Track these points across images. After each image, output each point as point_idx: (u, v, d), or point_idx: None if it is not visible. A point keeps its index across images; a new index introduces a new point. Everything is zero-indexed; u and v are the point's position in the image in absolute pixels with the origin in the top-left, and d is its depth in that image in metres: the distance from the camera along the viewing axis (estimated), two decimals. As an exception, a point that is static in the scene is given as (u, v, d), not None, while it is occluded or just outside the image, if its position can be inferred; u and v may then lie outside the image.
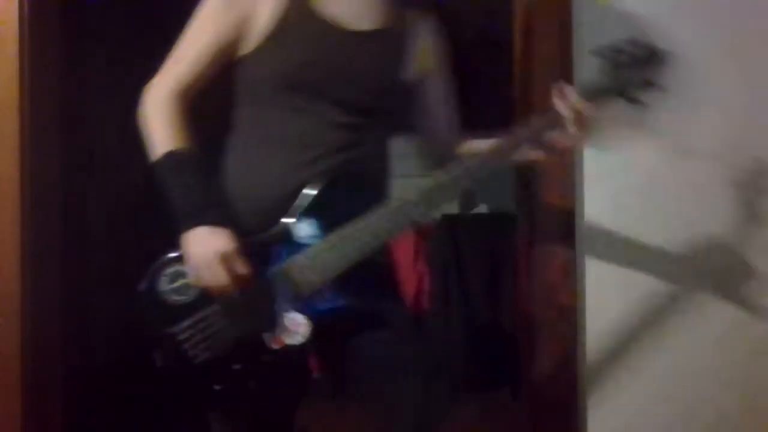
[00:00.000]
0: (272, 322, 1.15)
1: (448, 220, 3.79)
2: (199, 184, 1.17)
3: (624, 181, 1.65)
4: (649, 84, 1.22)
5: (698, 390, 1.65)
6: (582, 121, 1.16)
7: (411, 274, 3.21)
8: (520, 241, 1.76)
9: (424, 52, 1.32)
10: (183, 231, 1.16)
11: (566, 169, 1.64)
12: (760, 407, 1.64)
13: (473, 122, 1.38)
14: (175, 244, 1.18)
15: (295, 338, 1.15)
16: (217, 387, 1.18)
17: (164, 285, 1.18)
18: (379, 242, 1.17)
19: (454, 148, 1.37)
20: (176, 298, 1.17)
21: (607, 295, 1.66)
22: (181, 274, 1.17)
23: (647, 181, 1.65)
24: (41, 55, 1.75)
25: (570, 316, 1.65)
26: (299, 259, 1.16)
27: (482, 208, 4.27)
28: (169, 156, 1.18)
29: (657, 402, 1.65)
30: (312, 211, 1.17)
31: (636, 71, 1.20)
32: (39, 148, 1.75)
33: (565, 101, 1.17)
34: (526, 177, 1.70)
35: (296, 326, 1.15)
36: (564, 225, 1.65)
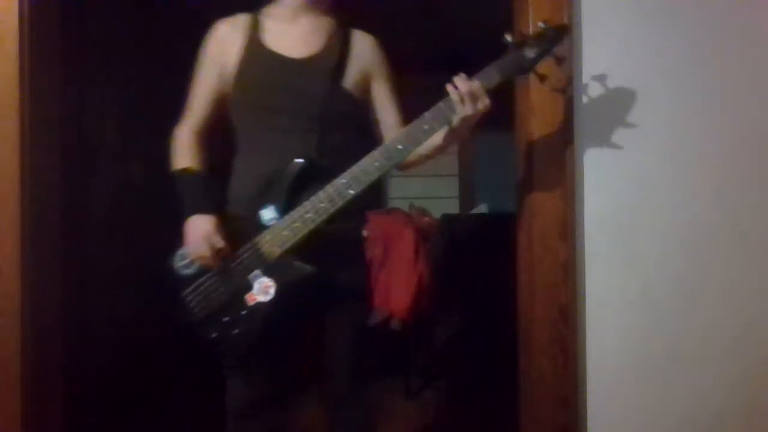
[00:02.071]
0: (248, 285, 1.51)
1: (448, 220, 3.80)
2: (199, 188, 1.58)
3: (624, 181, 1.66)
4: (551, 56, 1.48)
5: (698, 390, 1.65)
6: (472, 97, 1.43)
7: (411, 274, 3.20)
8: (520, 241, 1.76)
9: (362, 64, 1.64)
10: (185, 220, 1.54)
11: (566, 168, 1.64)
12: (760, 407, 1.64)
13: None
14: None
15: (266, 296, 1.49)
16: (214, 335, 1.53)
17: (177, 262, 1.56)
18: (321, 217, 1.48)
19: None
20: (185, 271, 1.55)
21: (607, 295, 1.66)
22: (187, 254, 1.54)
23: (647, 180, 1.65)
24: (41, 55, 1.75)
25: (570, 316, 1.65)
26: (265, 235, 1.52)
27: (482, 208, 4.27)
28: (180, 171, 1.60)
29: (657, 402, 1.65)
30: (275, 199, 1.52)
31: (538, 51, 1.46)
32: (39, 148, 1.75)
33: (454, 85, 1.44)
34: (526, 177, 1.70)
35: (266, 287, 1.50)
36: (564, 224, 1.65)
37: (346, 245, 1.61)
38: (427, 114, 1.47)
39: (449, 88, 1.44)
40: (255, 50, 1.60)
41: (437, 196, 4.55)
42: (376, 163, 1.47)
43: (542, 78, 1.52)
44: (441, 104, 1.46)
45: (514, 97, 1.76)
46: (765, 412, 1.64)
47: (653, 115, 1.65)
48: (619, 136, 1.65)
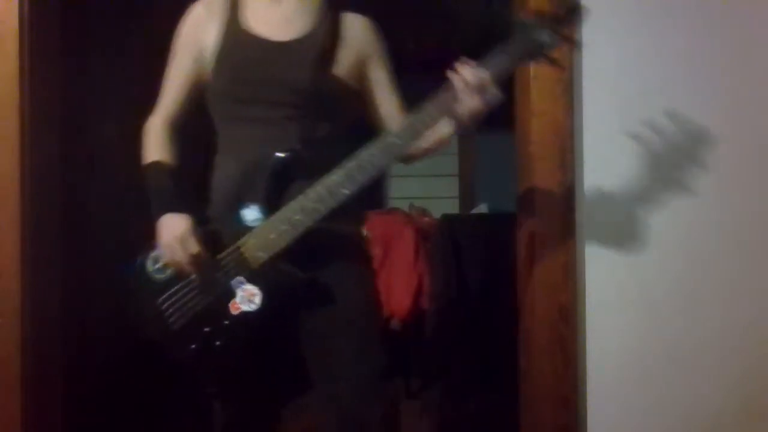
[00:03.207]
0: (230, 293, 1.36)
1: (448, 220, 3.79)
2: (170, 184, 1.44)
3: (624, 182, 1.65)
4: (565, 40, 1.32)
5: (698, 390, 1.65)
6: (479, 88, 1.29)
7: (411, 274, 3.20)
8: (520, 241, 1.76)
9: (355, 49, 1.48)
10: (156, 219, 1.41)
11: (566, 168, 1.64)
12: (760, 407, 1.64)
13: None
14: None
15: (250, 305, 1.35)
16: (192, 346, 1.39)
17: (149, 266, 1.42)
18: (309, 218, 1.33)
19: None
20: (158, 276, 1.41)
21: (607, 295, 1.66)
22: (161, 257, 1.40)
23: (647, 180, 1.65)
24: (41, 54, 1.75)
25: (570, 316, 1.65)
26: (248, 238, 1.36)
27: (482, 208, 4.26)
28: (150, 165, 1.47)
29: (657, 402, 1.65)
30: (257, 198, 1.37)
31: (549, 31, 1.30)
32: (39, 148, 1.75)
33: (458, 74, 1.30)
34: (526, 177, 1.70)
35: (250, 295, 1.36)
36: (564, 225, 1.65)
37: (344, 246, 1.45)
38: (428, 104, 1.32)
39: (452, 76, 1.30)
40: (233, 33, 1.46)
41: (437, 196, 4.55)
42: (374, 160, 1.33)
43: (554, 62, 1.34)
44: (443, 93, 1.32)
45: (514, 97, 1.76)
46: (765, 413, 1.64)
47: (653, 115, 1.65)
48: (619, 136, 1.65)
